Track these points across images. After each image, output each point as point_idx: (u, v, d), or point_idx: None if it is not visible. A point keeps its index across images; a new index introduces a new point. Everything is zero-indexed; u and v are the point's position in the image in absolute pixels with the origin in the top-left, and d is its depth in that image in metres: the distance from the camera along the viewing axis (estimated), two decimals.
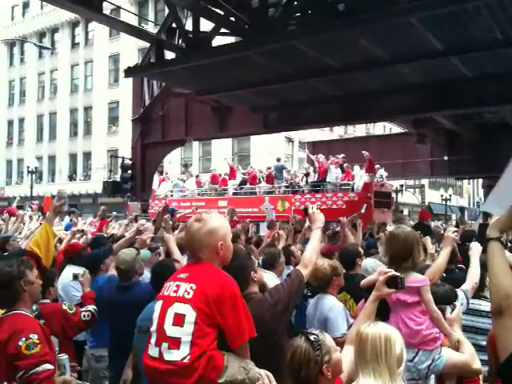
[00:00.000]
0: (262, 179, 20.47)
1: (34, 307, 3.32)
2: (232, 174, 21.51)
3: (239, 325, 2.52)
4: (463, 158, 19.79)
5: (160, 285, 3.69)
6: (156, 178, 20.91)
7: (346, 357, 2.60)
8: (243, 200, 18.90)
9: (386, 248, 3.93)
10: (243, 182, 20.90)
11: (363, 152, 18.84)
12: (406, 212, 33.99)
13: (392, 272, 3.05)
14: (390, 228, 7.82)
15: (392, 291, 3.02)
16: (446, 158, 21.83)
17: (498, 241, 2.19)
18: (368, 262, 4.97)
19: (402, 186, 36.83)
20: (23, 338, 2.81)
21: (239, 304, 2.55)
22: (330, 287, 4.43)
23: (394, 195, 20.62)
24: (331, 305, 4.22)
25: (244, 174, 21.74)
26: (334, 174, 18.22)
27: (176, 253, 4.57)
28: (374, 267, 4.68)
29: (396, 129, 30.34)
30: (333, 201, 17.51)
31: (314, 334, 2.51)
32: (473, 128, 20.44)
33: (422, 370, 3.42)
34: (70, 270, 5.55)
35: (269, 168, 20.97)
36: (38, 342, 2.84)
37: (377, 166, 19.20)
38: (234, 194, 20.47)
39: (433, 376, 3.52)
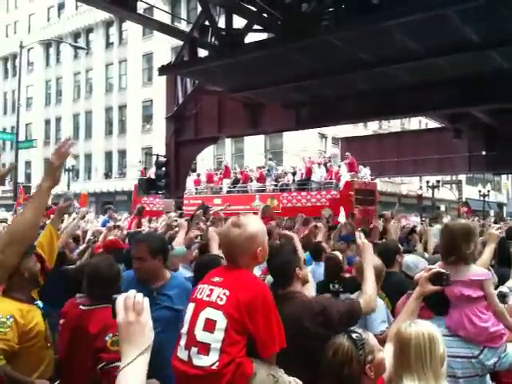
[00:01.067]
0: (253, 178, 21.87)
1: None
2: (227, 173, 22.73)
3: (270, 334, 2.48)
4: (501, 152, 19.29)
5: None
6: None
7: (387, 355, 2.52)
8: (236, 198, 19.63)
9: (440, 240, 3.88)
10: (236, 181, 22.26)
11: (346, 153, 20.79)
12: (442, 208, 33.37)
13: (436, 268, 2.96)
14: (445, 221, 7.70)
15: (436, 288, 2.91)
16: (483, 153, 21.33)
17: None
18: (410, 259, 4.87)
19: (438, 181, 36.22)
20: (110, 334, 3.10)
21: (272, 313, 2.51)
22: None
23: (378, 192, 21.52)
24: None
25: (236, 173, 23.21)
26: (318, 174, 19.59)
27: (215, 250, 4.56)
28: (416, 263, 4.60)
29: (432, 124, 29.78)
30: (317, 198, 18.65)
31: (356, 332, 2.46)
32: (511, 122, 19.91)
33: (489, 367, 3.34)
34: None
35: (260, 168, 22.68)
36: None
37: (360, 166, 20.50)
38: (228, 192, 21.62)
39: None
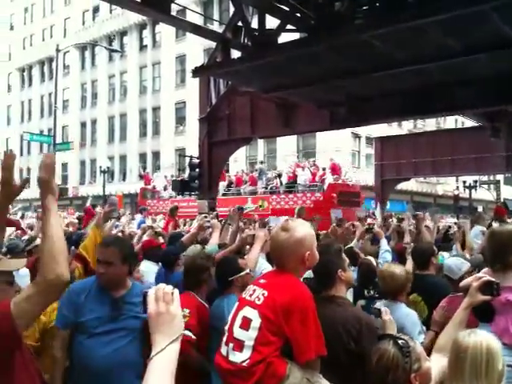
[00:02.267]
0: (246, 181, 23.39)
1: None
2: (223, 176, 23.54)
3: (306, 340, 2.46)
4: None
5: (223, 280, 3.73)
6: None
7: (433, 367, 2.43)
8: (230, 200, 20.28)
9: (486, 245, 3.79)
10: (230, 184, 23.80)
11: (330, 158, 22.25)
12: (480, 209, 32.66)
13: (487, 277, 2.86)
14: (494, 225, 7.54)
15: (487, 298, 2.81)
16: None
17: None
18: (452, 261, 4.74)
19: (475, 182, 35.46)
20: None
21: (310, 319, 2.50)
22: (402, 295, 4.19)
23: (362, 194, 22.89)
24: (407, 312, 3.97)
25: (230, 176, 24.76)
26: (303, 177, 20.90)
27: (256, 251, 4.51)
28: (459, 266, 4.47)
29: (468, 122, 29.18)
30: (302, 200, 19.70)
31: (403, 339, 2.38)
32: None
33: None
34: (144, 265, 5.73)
35: (252, 171, 24.37)
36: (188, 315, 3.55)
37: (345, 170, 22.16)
38: (223, 194, 22.86)
39: None
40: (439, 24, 8.81)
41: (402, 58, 10.49)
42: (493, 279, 2.85)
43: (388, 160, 26.84)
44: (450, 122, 40.23)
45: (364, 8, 10.35)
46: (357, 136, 35.44)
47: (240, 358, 2.44)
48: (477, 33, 9.29)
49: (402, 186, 30.72)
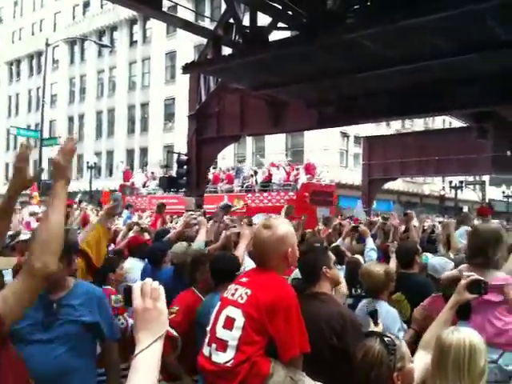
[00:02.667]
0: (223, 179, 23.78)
1: None
2: None
3: (290, 338, 2.47)
4: None
5: (221, 277, 3.72)
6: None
7: (418, 363, 2.46)
8: (206, 198, 20.01)
9: (467, 242, 3.84)
10: (208, 182, 23.65)
11: (306, 159, 22.74)
12: (465, 209, 32.94)
13: (475, 276, 2.89)
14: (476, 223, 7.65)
15: (474, 297, 2.85)
16: (508, 153, 20.98)
17: None
18: (436, 261, 4.80)
19: (461, 182, 35.79)
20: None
21: (293, 317, 2.50)
22: (383, 293, 4.24)
23: (336, 193, 23.59)
24: (387, 310, 4.03)
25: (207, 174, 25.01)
26: (277, 176, 21.36)
27: (241, 249, 4.52)
28: (443, 265, 4.53)
29: (456, 123, 29.42)
30: (277, 199, 20.04)
31: (389, 337, 2.38)
32: None
33: (507, 372, 3.28)
34: (130, 262, 5.69)
35: (228, 169, 24.77)
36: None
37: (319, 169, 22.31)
38: None
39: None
40: (430, 24, 8.86)
41: (391, 58, 10.53)
42: (481, 278, 2.88)
43: (375, 160, 27.03)
44: (438, 122, 40.55)
45: (355, 7, 10.37)
46: (345, 135, 35.57)
47: (224, 358, 2.43)
48: (468, 33, 9.34)
49: (389, 185, 30.92)
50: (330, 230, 8.56)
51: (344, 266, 5.49)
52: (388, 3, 9.22)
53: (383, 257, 6.51)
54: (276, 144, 33.46)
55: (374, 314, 3.25)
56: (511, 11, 8.37)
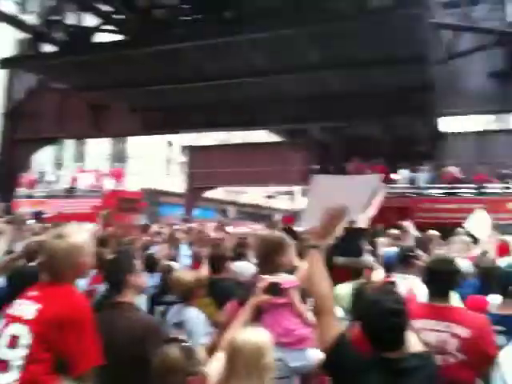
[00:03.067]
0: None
1: None
2: None
3: (83, 352, 2.37)
4: (335, 167, 20.89)
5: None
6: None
7: (215, 363, 2.59)
8: (21, 203, 18.97)
9: (254, 251, 4.10)
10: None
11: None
12: (277, 217, 35.10)
13: (271, 279, 3.11)
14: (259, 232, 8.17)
15: (270, 298, 3.06)
16: (317, 166, 22.96)
17: (317, 248, 2.54)
18: (240, 265, 5.08)
19: (276, 192, 38.09)
20: None
21: (87, 330, 2.40)
22: (193, 298, 4.32)
23: (143, 200, 23.09)
24: (196, 315, 4.12)
25: None
26: (84, 181, 20.70)
27: None
28: (246, 269, 4.87)
29: (272, 137, 31.36)
30: (83, 205, 19.43)
31: (187, 343, 2.51)
32: (342, 139, 21.84)
33: (293, 369, 3.61)
34: None
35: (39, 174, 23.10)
36: None
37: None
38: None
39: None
40: (252, 43, 9.43)
41: (213, 71, 10.93)
42: (277, 281, 3.15)
43: (198, 168, 27.58)
44: (255, 135, 42.71)
45: (184, 18, 10.62)
46: (170, 143, 35.66)
47: (7, 379, 2.24)
48: (285, 55, 10.08)
49: (211, 194, 31.70)
50: (149, 238, 8.57)
51: (156, 274, 5.56)
52: (216, 18, 9.62)
53: (196, 262, 6.72)
54: (99, 149, 32.26)
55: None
56: (321, 38, 9.26)
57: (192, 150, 28.80)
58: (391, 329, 2.30)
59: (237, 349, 2.35)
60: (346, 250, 6.86)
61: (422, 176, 17.99)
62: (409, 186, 17.78)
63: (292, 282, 3.68)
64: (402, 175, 18.51)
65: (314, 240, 2.54)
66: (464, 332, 3.00)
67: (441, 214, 15.12)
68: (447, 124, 24.29)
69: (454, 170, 17.34)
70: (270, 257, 3.60)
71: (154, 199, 32.88)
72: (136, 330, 2.93)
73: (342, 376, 2.38)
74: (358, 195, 2.70)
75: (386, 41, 9.03)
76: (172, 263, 5.68)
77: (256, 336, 2.42)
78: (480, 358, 2.96)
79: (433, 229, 7.78)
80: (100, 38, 11.37)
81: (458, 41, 10.88)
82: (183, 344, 2.45)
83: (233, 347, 2.37)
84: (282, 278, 3.62)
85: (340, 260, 6.51)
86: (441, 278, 3.25)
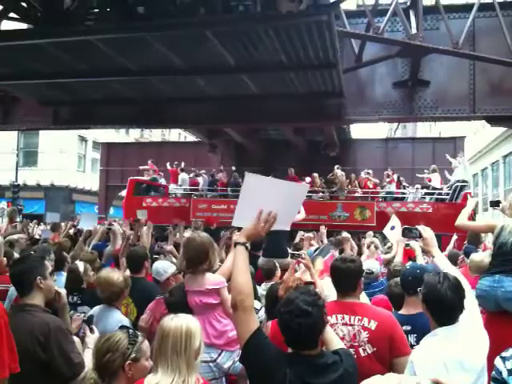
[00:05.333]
0: None
1: None
2: None
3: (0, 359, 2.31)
4: (250, 168, 21.23)
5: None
6: None
7: None
8: None
9: (182, 252, 4.13)
10: None
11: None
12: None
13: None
14: (187, 234, 8.30)
15: None
16: (233, 168, 23.21)
17: (243, 245, 2.61)
18: (160, 264, 5.04)
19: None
20: None
21: (2, 335, 2.35)
22: (119, 300, 4.25)
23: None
24: (120, 320, 4.00)
25: None
26: None
27: None
28: (166, 268, 4.85)
29: (190, 137, 31.25)
30: None
31: (134, 331, 2.64)
32: (259, 142, 22.19)
33: (224, 370, 3.65)
34: None
35: None
36: None
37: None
38: None
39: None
40: (164, 40, 9.33)
41: (127, 67, 10.74)
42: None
43: (114, 166, 27.02)
44: (174, 135, 42.45)
45: (95, 11, 10.34)
46: (83, 139, 34.64)
47: None
48: (199, 54, 10.02)
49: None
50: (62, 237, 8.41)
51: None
52: (127, 13, 9.44)
53: (114, 263, 6.66)
54: (5, 143, 30.76)
55: (90, 321, 3.38)
56: (239, 39, 9.31)
57: (107, 147, 28.13)
58: (299, 329, 2.36)
59: (165, 333, 2.49)
60: (270, 251, 7.08)
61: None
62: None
63: (221, 282, 3.71)
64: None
65: (242, 238, 2.62)
66: (372, 324, 3.21)
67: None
68: (357, 130, 25.65)
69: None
70: (198, 258, 3.62)
71: (66, 197, 31.83)
72: (39, 331, 2.88)
73: (259, 370, 2.45)
74: (289, 201, 2.80)
75: (296, 46, 9.25)
76: (79, 263, 5.54)
77: (184, 322, 2.55)
78: (387, 350, 3.17)
79: None
80: (5, 26, 10.82)
81: (366, 50, 11.30)
82: (130, 330, 2.64)
83: (161, 331, 2.52)
84: (214, 279, 3.64)
85: (260, 261, 6.68)
86: (345, 275, 3.44)
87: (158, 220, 10.60)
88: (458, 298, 2.81)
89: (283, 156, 21.64)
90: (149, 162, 22.60)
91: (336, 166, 18.98)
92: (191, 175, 21.94)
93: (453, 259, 6.58)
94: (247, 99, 12.60)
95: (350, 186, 19.24)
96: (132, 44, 9.55)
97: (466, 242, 8.36)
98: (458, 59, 11.30)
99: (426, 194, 18.67)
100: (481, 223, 6.23)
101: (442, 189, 18.40)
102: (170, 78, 11.39)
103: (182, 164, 21.90)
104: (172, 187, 21.25)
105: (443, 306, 2.79)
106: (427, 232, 3.45)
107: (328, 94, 11.78)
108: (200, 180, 21.47)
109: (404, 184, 19.69)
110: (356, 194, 19.08)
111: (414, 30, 10.66)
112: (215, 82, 11.69)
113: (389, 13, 10.62)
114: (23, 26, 11.94)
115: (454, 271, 3.16)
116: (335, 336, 2.85)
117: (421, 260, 5.84)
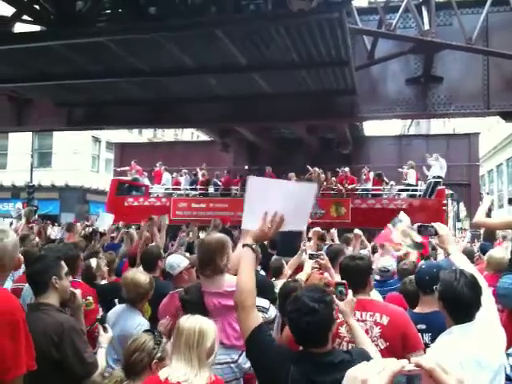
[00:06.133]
0: None
1: None
2: None
3: (17, 355, 2.29)
4: (263, 167, 21.25)
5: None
6: None
7: None
8: None
9: (196, 252, 4.15)
10: None
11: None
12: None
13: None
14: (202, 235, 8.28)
15: None
16: (246, 167, 23.21)
17: (250, 247, 2.64)
18: (172, 258, 5.04)
19: None
20: None
21: (21, 331, 2.32)
22: (142, 302, 4.23)
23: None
24: (138, 323, 3.97)
25: None
26: None
27: None
28: (179, 262, 4.85)
29: (203, 137, 31.31)
30: None
31: (159, 333, 2.84)
32: (271, 140, 22.16)
33: (245, 370, 3.66)
34: None
35: None
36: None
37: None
38: None
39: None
40: (175, 40, 9.35)
41: (140, 67, 10.79)
42: None
43: (127, 166, 27.12)
44: (187, 134, 42.56)
45: (107, 12, 10.40)
46: (97, 140, 34.85)
47: None
48: (210, 54, 10.03)
49: None
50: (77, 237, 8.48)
51: None
52: (139, 13, 9.49)
53: (128, 261, 6.71)
54: (21, 144, 31.07)
55: (104, 320, 3.52)
56: (250, 38, 9.30)
57: (120, 147, 28.27)
58: (306, 326, 2.36)
59: (180, 330, 2.67)
60: (282, 251, 7.10)
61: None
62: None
63: None
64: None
65: (249, 239, 2.65)
66: (384, 319, 3.24)
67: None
68: (370, 127, 25.41)
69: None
70: (211, 259, 3.61)
71: (80, 197, 32.05)
72: (53, 331, 2.90)
73: (261, 367, 2.49)
74: (298, 201, 2.77)
75: (308, 44, 9.22)
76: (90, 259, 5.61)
77: (198, 322, 2.71)
78: (400, 346, 3.18)
79: None
80: (18, 28, 10.92)
81: (378, 47, 11.24)
82: (156, 332, 2.85)
83: (178, 327, 2.71)
84: (231, 281, 3.64)
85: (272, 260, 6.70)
86: (354, 273, 3.47)
87: (138, 219, 10.76)
88: (475, 294, 2.78)
89: (296, 154, 21.57)
90: (132, 162, 22.72)
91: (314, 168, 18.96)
92: (174, 175, 22.13)
93: (469, 257, 6.53)
94: (259, 98, 12.61)
95: (326, 184, 19.16)
96: (144, 44, 9.59)
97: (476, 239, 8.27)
98: (471, 55, 11.21)
99: (400, 190, 18.77)
100: (499, 220, 6.17)
101: (417, 185, 18.58)
102: (181, 77, 11.41)
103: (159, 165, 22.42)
104: (155, 187, 21.50)
105: (460, 304, 2.76)
106: (443, 229, 3.42)
107: (340, 92, 11.75)
108: (182, 179, 21.62)
109: (386, 181, 19.57)
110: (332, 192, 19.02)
111: (426, 26, 10.59)
112: (227, 82, 11.70)
113: (401, 9, 10.57)
114: (36, 28, 12.10)
115: (471, 268, 3.14)
116: (361, 335, 2.90)
117: None
